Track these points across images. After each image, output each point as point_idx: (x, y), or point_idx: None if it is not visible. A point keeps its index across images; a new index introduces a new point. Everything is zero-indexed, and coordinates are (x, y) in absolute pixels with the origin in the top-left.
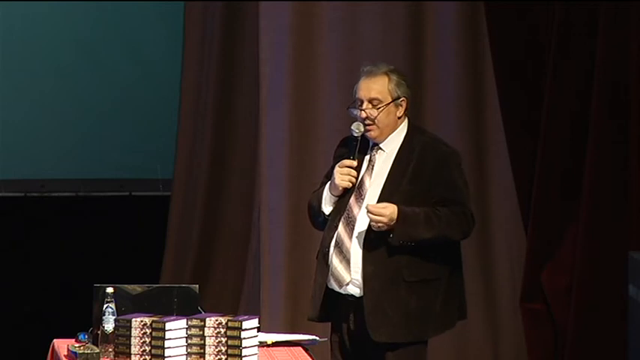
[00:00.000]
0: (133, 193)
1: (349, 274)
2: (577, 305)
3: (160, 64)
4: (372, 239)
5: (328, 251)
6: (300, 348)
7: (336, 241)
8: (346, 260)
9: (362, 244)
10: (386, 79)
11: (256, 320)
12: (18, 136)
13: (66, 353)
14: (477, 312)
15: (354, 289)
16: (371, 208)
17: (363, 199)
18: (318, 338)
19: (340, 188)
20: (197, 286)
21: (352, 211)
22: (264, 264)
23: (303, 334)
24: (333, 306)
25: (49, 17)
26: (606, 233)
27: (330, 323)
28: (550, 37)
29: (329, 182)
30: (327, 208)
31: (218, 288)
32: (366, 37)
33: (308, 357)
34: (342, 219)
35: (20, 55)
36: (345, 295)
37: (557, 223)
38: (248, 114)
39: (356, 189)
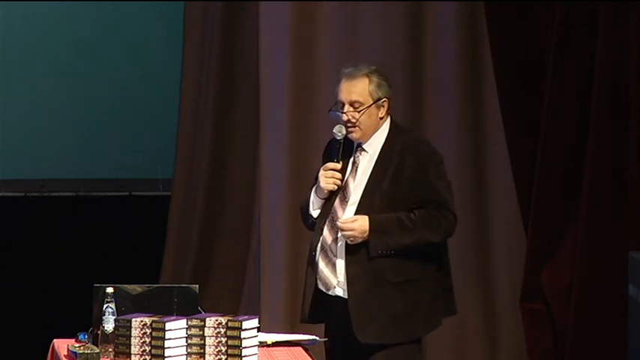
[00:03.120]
0: (133, 193)
1: (335, 277)
2: (577, 305)
3: (160, 64)
4: (355, 244)
5: (315, 254)
6: (300, 348)
7: (321, 244)
8: (332, 264)
9: (345, 247)
10: (366, 80)
11: (256, 320)
12: (18, 136)
13: (66, 353)
14: (477, 312)
15: (340, 291)
16: (340, 225)
17: (347, 202)
18: (318, 338)
19: (326, 191)
20: (197, 286)
21: (337, 214)
22: (264, 264)
23: (303, 334)
24: (324, 307)
25: (49, 17)
26: (606, 233)
27: (323, 324)
28: (550, 37)
29: (315, 185)
30: (314, 211)
31: (218, 288)
32: (366, 37)
33: (308, 357)
34: (327, 222)
35: (20, 55)
36: (333, 296)
37: (557, 223)
38: (248, 114)
39: (340, 191)
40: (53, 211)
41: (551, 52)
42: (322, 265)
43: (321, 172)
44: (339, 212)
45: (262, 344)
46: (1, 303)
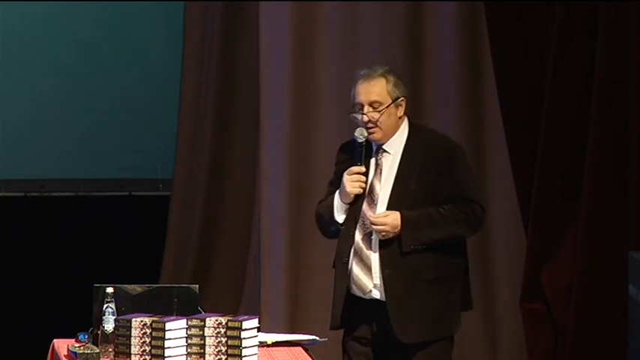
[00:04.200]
0: (133, 193)
1: (371, 280)
2: (577, 305)
3: (160, 64)
4: (388, 243)
5: (348, 260)
6: (300, 348)
7: (354, 249)
8: (367, 267)
9: (378, 249)
10: (383, 80)
11: (256, 320)
12: (18, 136)
13: (66, 353)
14: (477, 312)
15: (377, 293)
16: (372, 219)
17: (375, 204)
18: (318, 338)
19: (352, 195)
20: (197, 286)
21: (367, 218)
22: (264, 264)
23: (303, 334)
24: (355, 310)
25: (49, 17)
26: (606, 233)
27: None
28: (550, 37)
29: (338, 191)
30: (340, 216)
31: (218, 288)
32: (366, 37)
33: (308, 357)
34: (358, 227)
35: (20, 55)
36: (369, 299)
37: (557, 223)
38: (248, 114)
39: (367, 194)
40: (53, 211)
41: (551, 52)
42: (357, 270)
43: (346, 177)
44: (369, 215)
45: (262, 344)
46: (1, 303)
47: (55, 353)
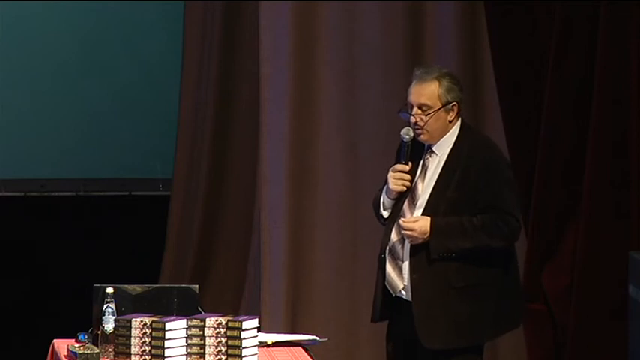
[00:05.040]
0: (133, 193)
1: (402, 280)
2: (577, 305)
3: (159, 64)
4: (419, 248)
5: (385, 257)
6: (300, 348)
7: (389, 247)
8: (398, 267)
9: (409, 252)
10: (436, 84)
11: (256, 320)
12: (18, 136)
13: (66, 353)
14: None
15: (408, 294)
16: (402, 224)
17: (415, 205)
18: (318, 338)
19: (395, 192)
20: (197, 286)
21: (405, 217)
22: (265, 264)
23: (303, 334)
24: (392, 308)
25: (49, 17)
26: (606, 233)
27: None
28: (550, 37)
29: (385, 186)
30: (385, 212)
31: (218, 288)
32: (366, 37)
33: (308, 357)
34: (396, 225)
35: (20, 55)
36: (400, 298)
37: (557, 223)
38: (248, 114)
39: (410, 194)
40: (53, 211)
41: (551, 52)
42: (390, 268)
43: (390, 174)
44: (408, 215)
45: (262, 344)
46: (1, 303)
47: (55, 353)
